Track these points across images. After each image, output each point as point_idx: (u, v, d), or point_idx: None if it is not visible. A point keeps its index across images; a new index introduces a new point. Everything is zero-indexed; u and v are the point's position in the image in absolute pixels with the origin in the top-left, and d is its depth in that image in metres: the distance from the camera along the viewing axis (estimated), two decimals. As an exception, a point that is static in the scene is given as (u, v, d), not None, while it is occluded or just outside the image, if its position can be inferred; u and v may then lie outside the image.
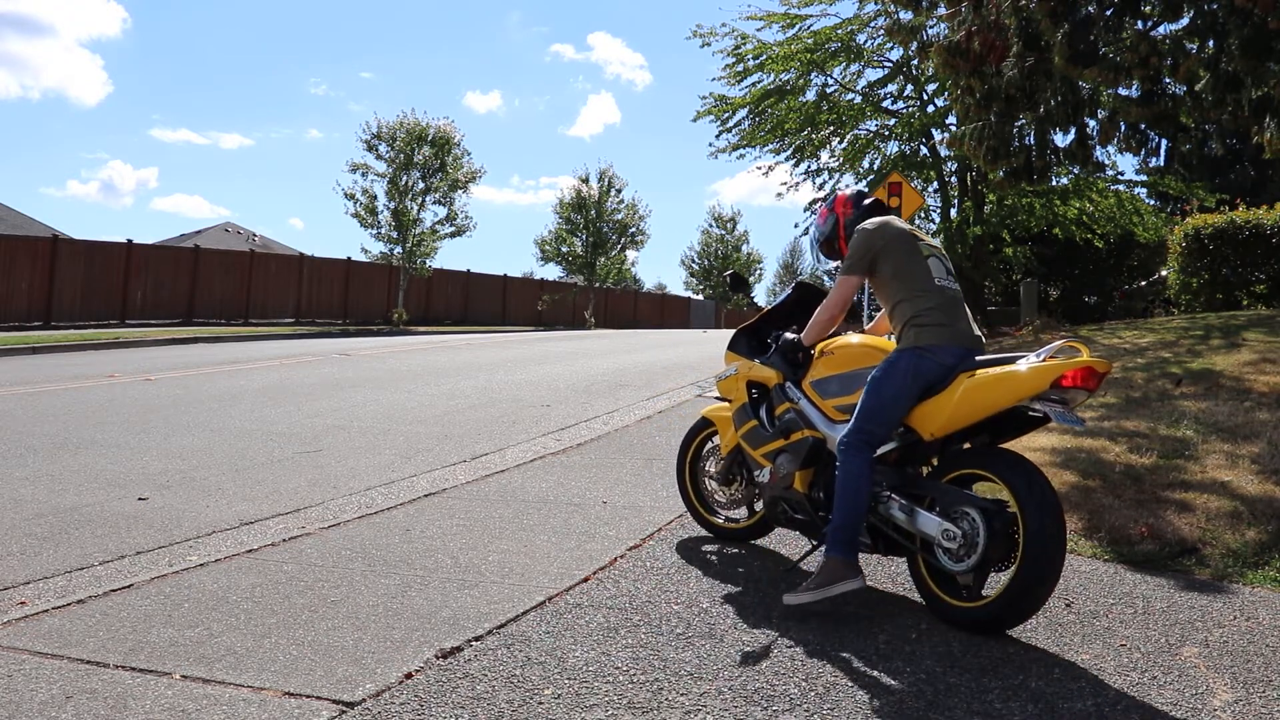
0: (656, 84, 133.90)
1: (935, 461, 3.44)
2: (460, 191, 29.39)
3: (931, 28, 10.69)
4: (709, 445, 4.36)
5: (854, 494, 3.27)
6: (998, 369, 3.19)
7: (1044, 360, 3.11)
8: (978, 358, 3.33)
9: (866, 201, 3.77)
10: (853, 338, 3.85)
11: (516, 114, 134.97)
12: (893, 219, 3.62)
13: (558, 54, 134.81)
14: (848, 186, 18.00)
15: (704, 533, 4.34)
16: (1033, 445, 5.81)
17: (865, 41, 16.99)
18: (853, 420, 3.36)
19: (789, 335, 3.91)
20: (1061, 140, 9.60)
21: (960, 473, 3.26)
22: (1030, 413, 3.16)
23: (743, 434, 3.96)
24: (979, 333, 3.48)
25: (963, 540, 3.11)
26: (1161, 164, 12.89)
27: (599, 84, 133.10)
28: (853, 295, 3.68)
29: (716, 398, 4.84)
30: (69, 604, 3.31)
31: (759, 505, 4.08)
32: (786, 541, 4.23)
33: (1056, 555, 3.00)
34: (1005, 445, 3.47)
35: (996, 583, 3.12)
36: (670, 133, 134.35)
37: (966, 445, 3.40)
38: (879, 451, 3.37)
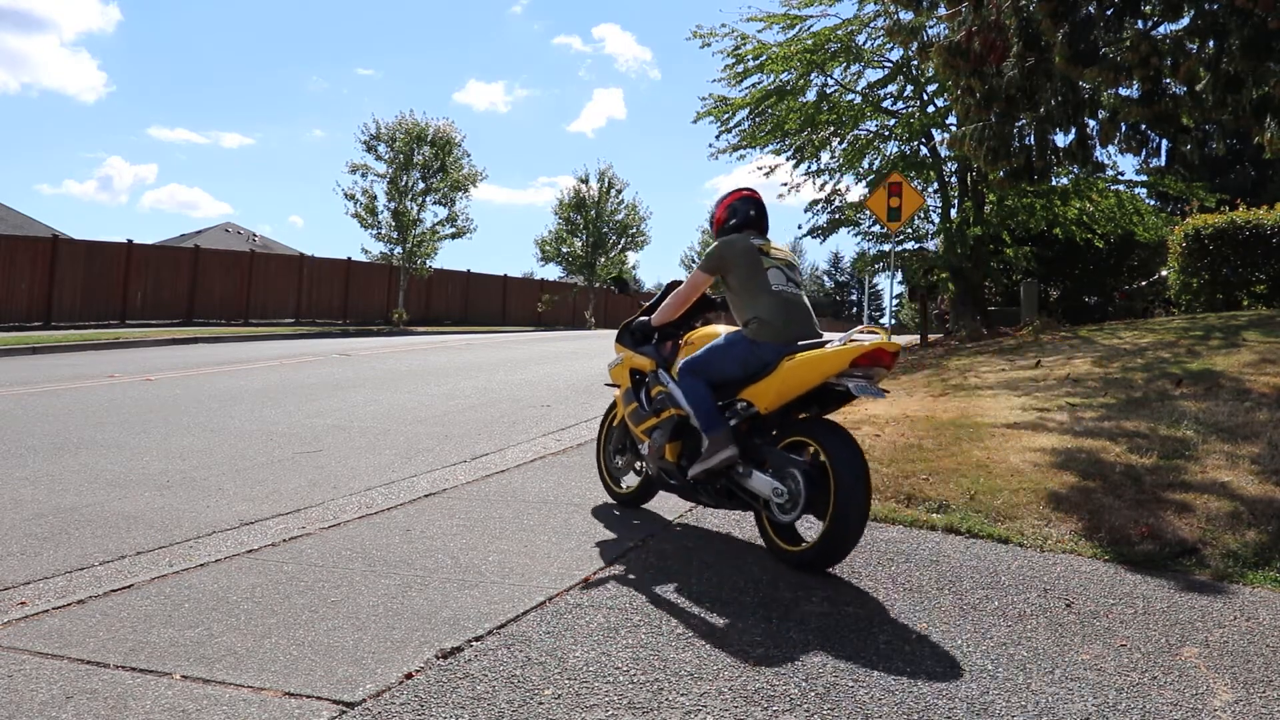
0: (664, 82, 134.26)
1: (775, 431, 3.95)
2: (461, 193, 29.39)
3: (931, 28, 10.69)
4: (615, 424, 4.93)
5: (696, 395, 3.99)
6: (809, 353, 3.77)
7: (844, 344, 3.70)
8: (801, 343, 3.88)
9: (734, 220, 4.31)
10: (717, 328, 4.37)
11: (519, 110, 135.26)
12: (746, 236, 4.19)
13: (562, 47, 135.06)
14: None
15: (705, 533, 4.34)
16: (1033, 445, 5.81)
17: (865, 42, 16.99)
18: (693, 356, 4.10)
19: (641, 318, 4.66)
20: (1062, 140, 9.59)
21: (791, 439, 3.83)
22: (837, 388, 3.73)
23: (627, 413, 4.52)
24: (814, 328, 4.04)
25: (789, 496, 3.69)
26: (1162, 164, 12.86)
27: (606, 79, 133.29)
28: (699, 289, 4.35)
29: (606, 384, 5.25)
30: (69, 604, 3.31)
31: (641, 474, 4.68)
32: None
33: (862, 507, 3.58)
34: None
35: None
36: (673, 131, 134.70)
37: (804, 416, 3.94)
38: (731, 424, 3.95)
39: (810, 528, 3.94)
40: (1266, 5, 6.78)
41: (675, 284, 4.53)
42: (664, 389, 4.27)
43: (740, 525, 4.48)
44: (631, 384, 4.58)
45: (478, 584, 3.55)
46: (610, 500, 4.89)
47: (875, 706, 2.59)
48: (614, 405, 4.88)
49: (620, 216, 37.76)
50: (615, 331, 5.05)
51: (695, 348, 4.21)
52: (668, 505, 4.84)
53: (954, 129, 12.75)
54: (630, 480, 4.83)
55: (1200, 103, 8.03)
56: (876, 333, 3.79)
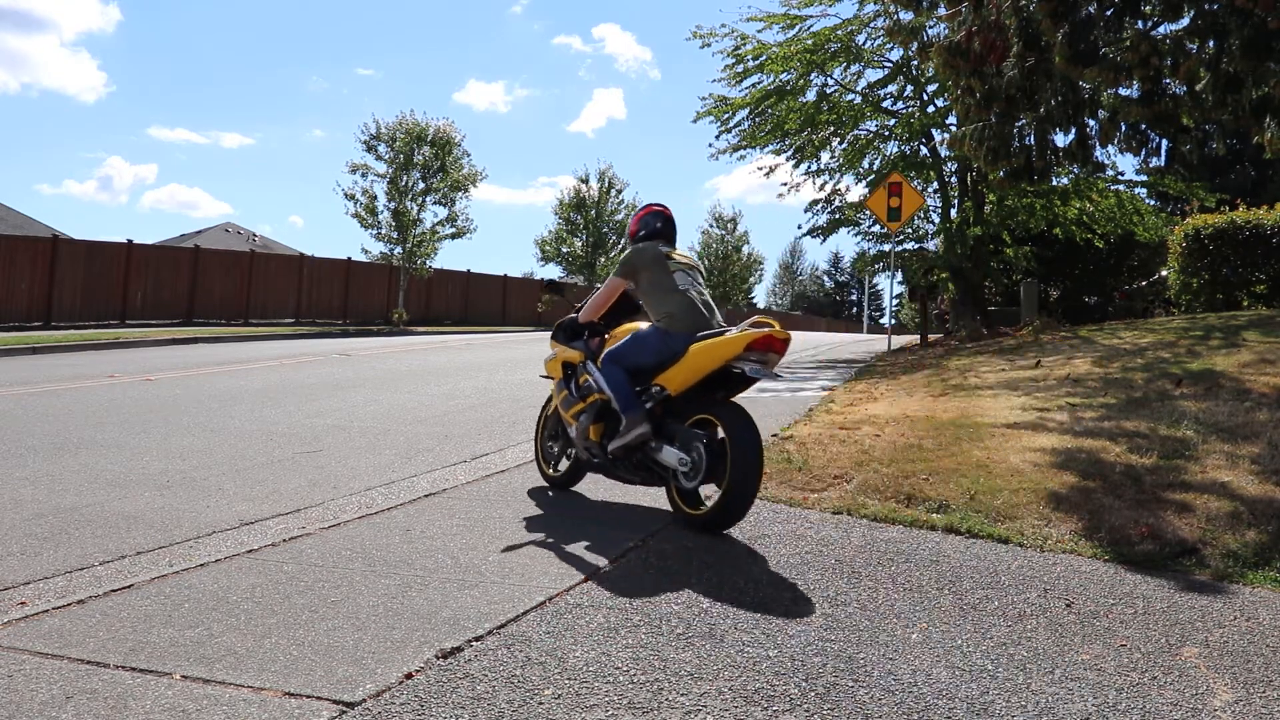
0: (664, 82, 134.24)
1: (685, 412, 4.44)
2: (461, 193, 29.38)
3: (931, 28, 10.69)
4: (549, 414, 5.43)
5: (616, 381, 4.53)
6: (711, 340, 4.30)
7: (740, 332, 4.23)
8: (703, 333, 4.41)
9: (644, 232, 4.99)
10: (641, 325, 4.79)
11: (519, 110, 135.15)
12: (655, 244, 4.81)
13: (562, 47, 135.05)
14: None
15: (705, 533, 4.35)
16: (1033, 445, 5.81)
17: (865, 42, 17.00)
18: (614, 348, 4.66)
19: (572, 316, 5.19)
20: (1062, 140, 9.59)
21: (698, 417, 4.34)
22: (735, 370, 4.25)
23: (559, 401, 5.07)
24: (716, 321, 4.58)
25: (692, 465, 4.23)
26: (1162, 164, 12.87)
27: (606, 79, 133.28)
28: (616, 291, 4.94)
29: (541, 375, 5.64)
30: (69, 604, 3.31)
31: (572, 458, 5.17)
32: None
33: (755, 476, 4.11)
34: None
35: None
36: (673, 131, 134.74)
37: (720, 396, 4.43)
38: (648, 406, 4.47)
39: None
40: (1266, 5, 6.78)
41: (597, 288, 5.09)
42: (590, 377, 4.82)
43: (739, 526, 4.48)
44: (563, 375, 5.08)
45: (478, 584, 3.55)
46: (544, 483, 5.35)
47: (875, 706, 2.59)
48: (550, 398, 5.37)
49: (620, 216, 37.80)
50: None
51: (617, 340, 4.77)
52: (668, 504, 4.84)
53: (954, 129, 12.76)
54: (562, 464, 5.30)
55: (1200, 103, 8.04)
56: (770, 324, 4.28)
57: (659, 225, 4.98)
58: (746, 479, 4.07)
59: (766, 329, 4.20)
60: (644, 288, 4.71)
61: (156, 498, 5.07)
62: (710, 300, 4.72)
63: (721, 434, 4.17)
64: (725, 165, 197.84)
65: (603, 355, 4.71)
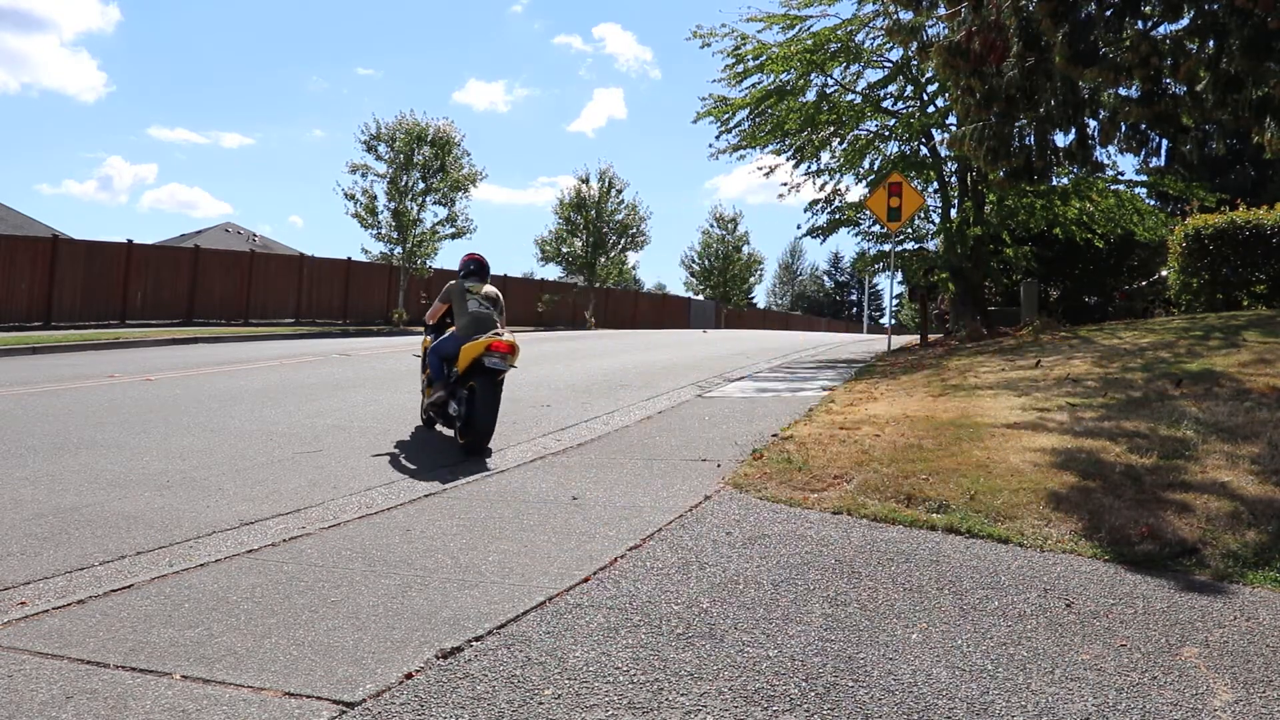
0: (664, 82, 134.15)
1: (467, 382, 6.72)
2: (461, 193, 29.36)
3: (931, 28, 10.68)
4: None
5: (432, 363, 7.06)
6: (472, 342, 6.61)
7: (482, 339, 6.62)
8: (478, 337, 6.76)
9: (463, 273, 7.44)
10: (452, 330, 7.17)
11: (519, 110, 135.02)
12: (463, 281, 7.29)
13: (562, 47, 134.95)
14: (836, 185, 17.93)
15: (704, 533, 4.35)
16: (1033, 445, 5.81)
17: (865, 42, 16.96)
18: (434, 343, 7.15)
19: (424, 319, 7.78)
20: (1061, 140, 9.58)
21: (470, 384, 6.57)
22: (484, 363, 6.52)
23: (420, 375, 7.70)
24: (496, 330, 6.90)
25: (459, 411, 6.60)
26: (1162, 164, 12.85)
27: (606, 78, 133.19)
28: (441, 308, 7.45)
29: (414, 354, 7.77)
30: (69, 604, 3.31)
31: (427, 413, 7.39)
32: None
33: (489, 419, 6.48)
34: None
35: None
36: (673, 131, 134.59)
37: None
38: (452, 380, 6.80)
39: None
40: (1266, 5, 6.78)
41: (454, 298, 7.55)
42: (427, 360, 7.26)
43: (741, 524, 4.48)
44: (424, 357, 7.54)
45: (478, 584, 3.55)
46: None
47: (875, 706, 2.59)
48: None
49: (620, 216, 37.76)
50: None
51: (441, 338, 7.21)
52: (667, 505, 4.85)
53: (954, 129, 12.73)
54: (424, 418, 7.51)
55: (1200, 103, 8.03)
56: (503, 332, 6.81)
57: (472, 268, 7.42)
58: (483, 418, 6.43)
59: (495, 339, 6.58)
60: (454, 308, 7.17)
61: (156, 498, 5.07)
62: (493, 317, 7.04)
63: (475, 391, 6.48)
64: (725, 165, 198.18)
65: (429, 349, 7.20)
